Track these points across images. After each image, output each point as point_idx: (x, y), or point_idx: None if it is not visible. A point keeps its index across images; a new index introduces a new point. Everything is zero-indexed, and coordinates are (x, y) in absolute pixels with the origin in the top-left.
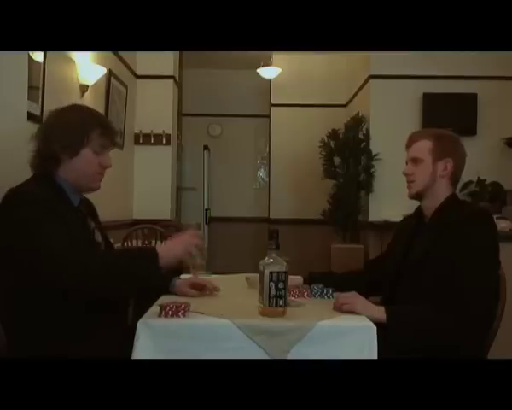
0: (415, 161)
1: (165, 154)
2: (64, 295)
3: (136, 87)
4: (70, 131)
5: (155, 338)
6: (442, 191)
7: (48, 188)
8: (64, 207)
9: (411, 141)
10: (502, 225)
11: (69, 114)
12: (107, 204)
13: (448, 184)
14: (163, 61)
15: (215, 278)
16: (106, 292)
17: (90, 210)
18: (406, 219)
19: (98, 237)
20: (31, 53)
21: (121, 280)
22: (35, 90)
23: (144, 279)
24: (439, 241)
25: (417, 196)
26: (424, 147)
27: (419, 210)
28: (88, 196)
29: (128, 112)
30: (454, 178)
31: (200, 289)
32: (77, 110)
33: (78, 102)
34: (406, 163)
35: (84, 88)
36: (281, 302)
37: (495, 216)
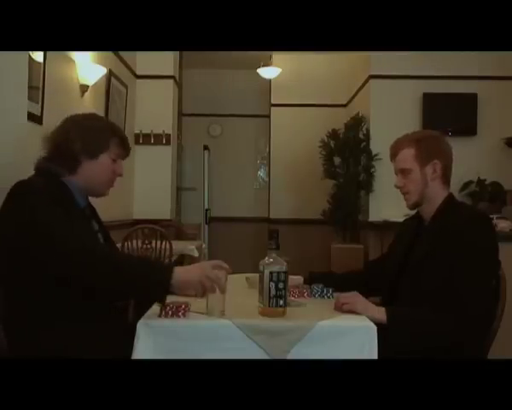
0: (403, 172)
1: (165, 154)
2: (62, 282)
3: (136, 87)
4: (94, 134)
5: (155, 338)
6: (437, 193)
7: (54, 185)
8: (69, 204)
9: (394, 151)
10: (502, 225)
11: (92, 119)
12: (107, 204)
13: (441, 184)
14: (163, 61)
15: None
16: (107, 286)
17: (94, 214)
18: (407, 220)
19: (101, 240)
20: (31, 53)
21: (126, 278)
22: (35, 90)
23: (149, 285)
24: (439, 243)
25: (416, 206)
26: (408, 155)
27: (419, 213)
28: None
29: (128, 112)
30: (445, 177)
31: None
32: (98, 118)
33: (79, 102)
34: (396, 174)
35: (84, 88)
36: (281, 302)
37: (495, 216)
